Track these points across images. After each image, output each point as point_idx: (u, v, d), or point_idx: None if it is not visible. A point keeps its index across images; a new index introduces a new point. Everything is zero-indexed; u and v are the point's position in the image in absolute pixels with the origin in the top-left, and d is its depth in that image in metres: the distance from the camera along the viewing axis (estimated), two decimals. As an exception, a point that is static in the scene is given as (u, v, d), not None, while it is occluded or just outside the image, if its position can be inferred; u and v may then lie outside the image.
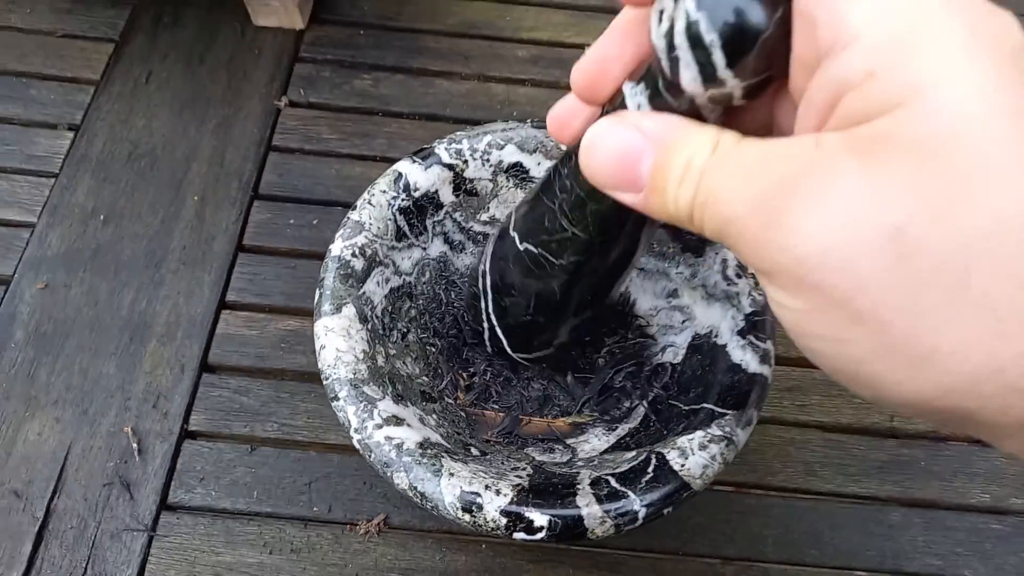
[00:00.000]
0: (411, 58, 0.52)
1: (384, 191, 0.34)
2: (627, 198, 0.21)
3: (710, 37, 0.18)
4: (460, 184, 0.36)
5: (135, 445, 0.38)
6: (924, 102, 0.16)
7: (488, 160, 0.36)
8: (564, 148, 0.28)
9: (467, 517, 0.28)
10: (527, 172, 0.37)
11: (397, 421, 0.30)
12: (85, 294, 0.42)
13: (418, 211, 0.35)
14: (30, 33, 0.51)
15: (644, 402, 0.34)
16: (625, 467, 0.30)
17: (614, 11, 0.56)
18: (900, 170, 0.16)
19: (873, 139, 0.17)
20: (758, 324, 0.32)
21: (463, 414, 0.35)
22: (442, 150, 0.36)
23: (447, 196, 0.36)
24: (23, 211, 0.45)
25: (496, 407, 0.35)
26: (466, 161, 0.36)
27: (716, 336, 0.33)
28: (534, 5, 0.55)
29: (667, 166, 0.20)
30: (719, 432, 0.30)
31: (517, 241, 0.29)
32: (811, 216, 0.17)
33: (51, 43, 0.50)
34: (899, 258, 0.16)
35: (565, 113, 0.25)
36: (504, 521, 0.28)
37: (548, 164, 0.37)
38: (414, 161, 0.35)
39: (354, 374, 0.30)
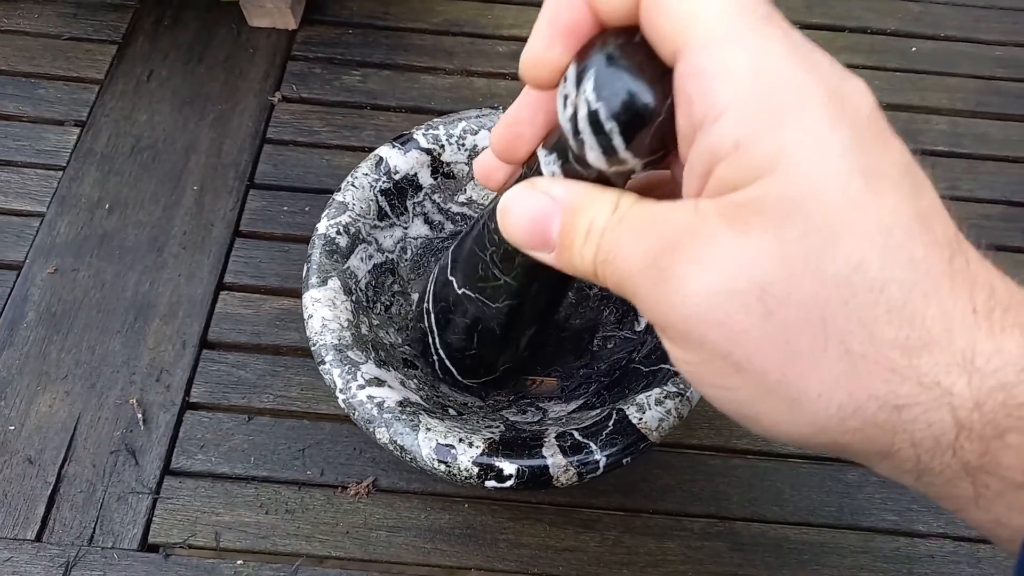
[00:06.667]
0: (398, 55, 0.55)
1: (366, 174, 0.37)
2: (542, 256, 0.23)
3: (609, 124, 0.20)
4: (438, 167, 0.39)
5: (140, 415, 0.41)
6: (783, 170, 0.17)
7: (464, 145, 0.39)
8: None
9: (442, 467, 0.30)
10: (501, 156, 0.39)
11: (379, 382, 0.32)
12: (92, 277, 0.45)
13: (398, 193, 0.38)
14: (38, 36, 0.54)
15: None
16: (588, 422, 0.32)
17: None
18: (762, 234, 0.18)
19: (740, 206, 0.18)
20: (712, 291, 0.35)
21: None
22: (420, 136, 0.38)
23: (426, 179, 0.39)
24: (34, 202, 0.48)
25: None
26: (443, 146, 0.39)
27: (675, 303, 0.36)
28: (515, 3, 0.58)
29: (573, 227, 0.22)
30: (674, 389, 0.32)
31: (456, 286, 0.32)
32: (691, 278, 0.18)
33: (58, 45, 0.53)
34: (766, 314, 0.18)
35: (488, 165, 0.27)
36: (476, 470, 0.30)
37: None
38: (394, 146, 0.38)
39: (339, 340, 0.33)
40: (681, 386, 0.32)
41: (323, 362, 0.33)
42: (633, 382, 0.35)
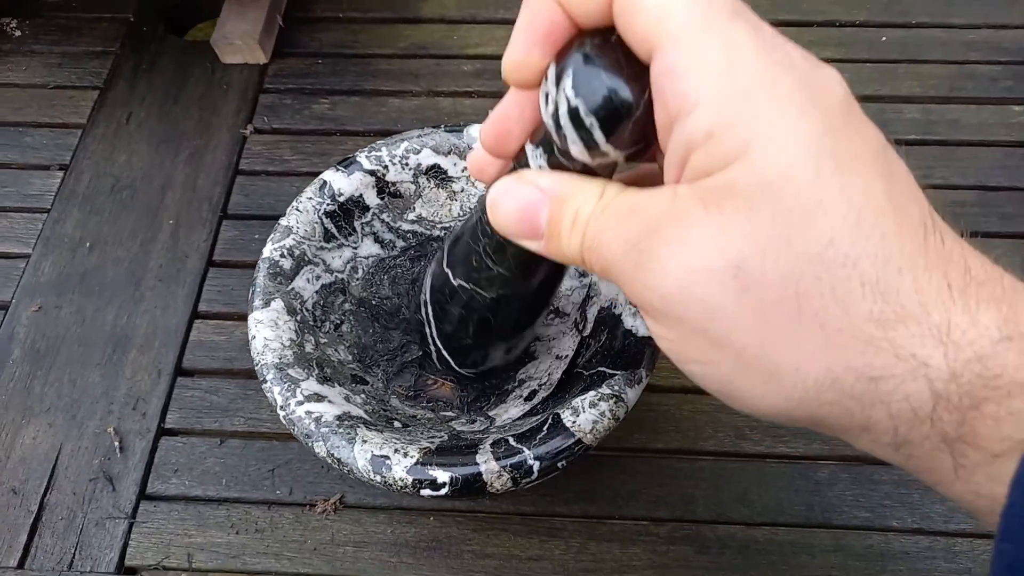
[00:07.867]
0: (366, 81, 0.56)
1: (310, 198, 0.38)
2: (531, 245, 0.24)
3: (589, 120, 0.21)
4: (383, 188, 0.40)
5: (117, 443, 0.43)
6: (754, 155, 0.18)
7: (407, 164, 0.40)
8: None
9: (378, 478, 0.31)
10: (445, 172, 0.40)
11: (318, 398, 0.33)
12: (74, 314, 0.47)
13: (344, 214, 0.39)
14: (26, 87, 0.57)
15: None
16: (526, 428, 0.33)
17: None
18: (735, 215, 0.19)
19: (714, 189, 0.19)
20: (648, 293, 0.35)
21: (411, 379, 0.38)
22: (363, 158, 0.39)
23: (372, 199, 0.40)
24: (20, 244, 0.50)
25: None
26: (386, 166, 0.40)
27: (615, 307, 0.36)
28: (480, 23, 0.59)
29: (560, 216, 0.23)
30: (608, 391, 0.33)
31: (451, 277, 0.32)
32: (669, 258, 0.20)
33: (44, 94, 0.56)
34: (741, 291, 0.19)
35: (480, 161, 0.28)
36: (410, 480, 0.31)
37: (463, 164, 0.40)
38: (338, 169, 0.39)
39: (280, 359, 0.34)
40: (616, 388, 0.33)
41: (265, 380, 0.34)
42: (574, 387, 0.35)
